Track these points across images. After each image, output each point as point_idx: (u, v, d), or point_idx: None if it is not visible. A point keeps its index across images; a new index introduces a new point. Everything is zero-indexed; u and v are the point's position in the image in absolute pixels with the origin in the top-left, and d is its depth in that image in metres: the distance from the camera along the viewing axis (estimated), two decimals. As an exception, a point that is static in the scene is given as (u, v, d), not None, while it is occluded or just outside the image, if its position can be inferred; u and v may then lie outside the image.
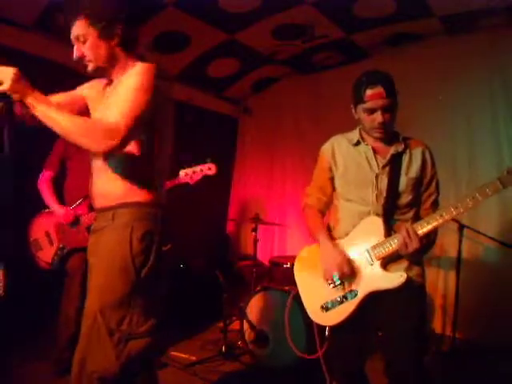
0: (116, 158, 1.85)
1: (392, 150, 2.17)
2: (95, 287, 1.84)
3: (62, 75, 3.90)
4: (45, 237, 3.35)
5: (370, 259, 2.10)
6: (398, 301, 2.03)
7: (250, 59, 5.17)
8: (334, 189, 2.33)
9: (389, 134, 2.19)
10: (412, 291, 2.06)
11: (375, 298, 2.08)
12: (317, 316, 2.22)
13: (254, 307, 3.63)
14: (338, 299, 2.14)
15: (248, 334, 3.60)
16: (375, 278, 2.08)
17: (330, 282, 2.16)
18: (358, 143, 2.28)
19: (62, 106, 1.84)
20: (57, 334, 3.30)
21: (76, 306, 3.26)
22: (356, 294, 2.10)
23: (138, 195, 1.88)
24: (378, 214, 2.11)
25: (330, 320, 2.17)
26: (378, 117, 2.11)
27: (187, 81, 5.36)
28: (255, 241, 4.30)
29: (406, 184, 2.11)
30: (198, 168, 3.29)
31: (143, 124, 1.77)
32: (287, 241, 5.89)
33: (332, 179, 2.33)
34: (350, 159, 2.26)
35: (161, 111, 1.89)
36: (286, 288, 3.59)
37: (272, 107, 6.13)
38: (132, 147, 1.84)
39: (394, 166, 2.14)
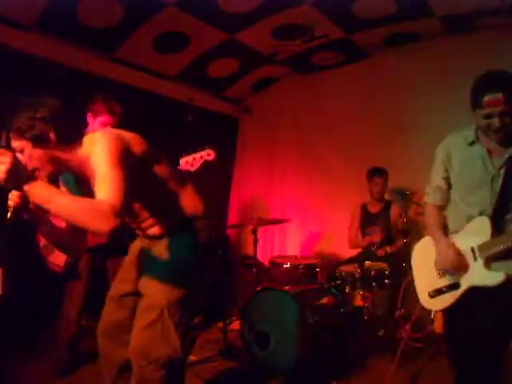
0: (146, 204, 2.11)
1: (511, 150, 2.15)
2: (159, 285, 2.07)
3: (61, 75, 3.93)
4: None
5: (475, 256, 2.20)
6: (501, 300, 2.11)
7: (250, 59, 5.17)
8: (450, 187, 2.40)
9: (508, 136, 2.15)
10: None
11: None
12: (425, 301, 2.45)
13: (254, 307, 3.63)
14: (444, 289, 2.32)
15: (248, 334, 3.60)
16: (477, 274, 2.19)
17: (439, 272, 2.36)
18: (472, 143, 2.26)
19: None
20: (57, 334, 3.30)
21: (77, 307, 3.26)
22: (459, 287, 2.25)
23: (188, 212, 2.19)
24: (487, 215, 2.17)
25: (435, 306, 2.42)
26: (495, 122, 2.08)
27: (187, 81, 5.36)
28: (255, 241, 4.30)
29: None
30: (197, 155, 3.30)
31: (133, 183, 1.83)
32: (287, 241, 5.90)
33: (447, 178, 2.39)
34: (465, 160, 2.28)
35: (139, 151, 1.99)
36: (286, 288, 3.59)
37: (272, 107, 6.13)
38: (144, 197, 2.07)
39: (510, 167, 2.14)
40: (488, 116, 2.09)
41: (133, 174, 1.83)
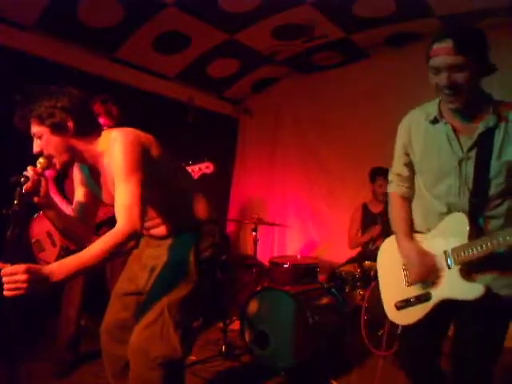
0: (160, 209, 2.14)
1: (481, 126, 1.76)
2: (161, 286, 2.08)
3: (61, 74, 3.93)
4: (47, 237, 3.32)
5: (448, 263, 1.84)
6: (476, 313, 1.81)
7: (250, 59, 5.18)
8: (414, 174, 2.04)
9: (469, 104, 1.76)
10: (496, 304, 1.78)
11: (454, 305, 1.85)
12: (390, 313, 2.08)
13: (254, 307, 3.63)
14: (411, 300, 1.96)
15: (248, 334, 3.60)
16: (451, 284, 1.83)
17: (405, 280, 2.01)
18: (435, 120, 1.88)
19: (89, 207, 2.23)
20: (57, 334, 3.30)
21: (76, 307, 3.27)
22: (429, 299, 1.90)
23: (195, 216, 2.19)
24: (463, 210, 1.80)
25: (402, 320, 2.04)
26: (443, 78, 1.70)
27: (187, 81, 5.36)
28: (255, 241, 4.30)
29: (498, 170, 1.73)
30: (196, 167, 3.36)
31: (150, 184, 1.91)
32: (287, 241, 5.90)
33: (409, 164, 2.03)
34: (427, 142, 1.90)
35: (155, 154, 2.03)
36: (286, 288, 3.59)
37: (272, 107, 6.13)
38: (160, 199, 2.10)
39: (482, 147, 1.75)
40: (436, 71, 1.74)
41: (147, 176, 1.89)
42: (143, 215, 1.85)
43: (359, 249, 4.59)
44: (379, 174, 4.42)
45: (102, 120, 3.11)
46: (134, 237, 1.80)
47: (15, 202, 1.81)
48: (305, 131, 5.79)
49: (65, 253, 3.23)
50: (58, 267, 1.66)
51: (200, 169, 3.36)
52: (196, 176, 3.37)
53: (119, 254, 1.82)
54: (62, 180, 3.39)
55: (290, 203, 5.88)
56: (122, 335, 2.16)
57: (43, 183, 1.93)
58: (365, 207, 4.66)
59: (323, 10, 4.12)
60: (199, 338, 4.01)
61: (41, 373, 3.11)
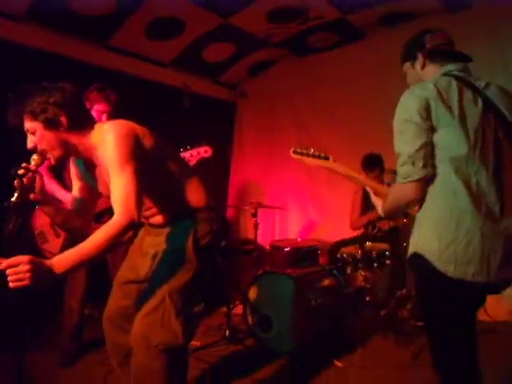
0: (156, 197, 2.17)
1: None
2: (161, 273, 2.09)
3: (55, 65, 3.90)
4: (50, 228, 3.29)
5: None
6: None
7: (246, 43, 5.13)
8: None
9: None
10: None
11: None
12: None
13: (256, 291, 3.65)
14: None
15: (251, 318, 3.62)
16: None
17: None
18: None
19: (86, 200, 2.28)
20: (61, 325, 3.32)
21: (79, 297, 3.29)
22: None
23: (192, 203, 2.19)
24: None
25: None
26: None
27: (183, 67, 5.32)
28: (255, 225, 4.31)
29: None
30: (194, 151, 3.36)
31: (145, 171, 1.93)
32: (288, 225, 5.91)
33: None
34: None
35: (148, 145, 2.04)
36: (288, 271, 3.61)
37: (269, 91, 6.09)
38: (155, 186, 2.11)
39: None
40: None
41: (141, 167, 1.90)
42: (140, 205, 1.87)
43: (361, 230, 4.60)
44: (371, 161, 4.41)
45: (100, 107, 3.09)
46: (132, 226, 1.81)
47: (15, 193, 1.82)
48: (302, 114, 5.77)
49: (69, 242, 3.23)
50: (59, 260, 1.67)
51: (199, 153, 3.37)
52: (195, 160, 3.37)
53: (119, 244, 1.83)
54: (61, 169, 3.37)
55: (290, 186, 5.87)
56: (124, 324, 2.19)
57: (38, 179, 1.95)
58: (365, 191, 4.64)
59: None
60: (202, 323, 4.04)
61: (45, 363, 3.14)
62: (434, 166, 1.75)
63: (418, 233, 1.83)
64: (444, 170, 1.74)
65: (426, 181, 1.76)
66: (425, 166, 1.73)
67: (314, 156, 2.40)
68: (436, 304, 1.81)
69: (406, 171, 1.75)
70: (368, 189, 2.35)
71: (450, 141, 1.73)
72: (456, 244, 1.68)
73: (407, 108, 1.77)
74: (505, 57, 4.11)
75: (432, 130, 1.74)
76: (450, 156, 1.73)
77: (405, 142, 1.77)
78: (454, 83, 1.78)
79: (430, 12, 4.40)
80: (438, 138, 1.75)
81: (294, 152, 2.40)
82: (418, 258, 1.78)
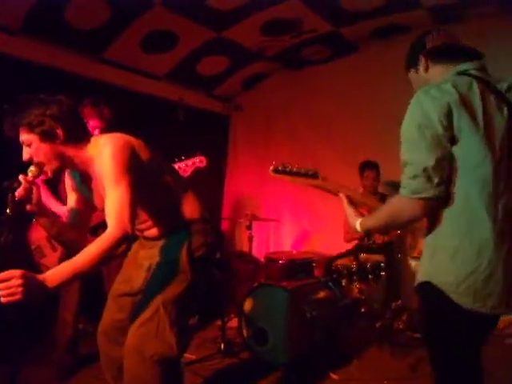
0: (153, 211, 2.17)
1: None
2: (155, 285, 2.09)
3: (48, 77, 3.90)
4: (47, 243, 3.25)
5: None
6: None
7: (240, 56, 5.16)
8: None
9: None
10: None
11: None
12: None
13: (251, 304, 3.63)
14: None
15: (246, 331, 3.60)
16: None
17: None
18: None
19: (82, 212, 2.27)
20: (55, 338, 3.29)
21: (73, 311, 3.26)
22: None
23: (187, 215, 2.19)
24: None
25: None
26: None
27: (177, 80, 5.34)
28: (250, 238, 4.30)
29: None
30: (189, 161, 3.39)
31: (140, 184, 1.93)
32: (283, 237, 5.90)
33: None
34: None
35: (144, 158, 2.04)
36: (283, 284, 3.60)
37: (263, 104, 6.12)
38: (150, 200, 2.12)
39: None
40: None
41: (136, 180, 1.91)
42: (133, 218, 1.87)
43: (355, 242, 4.60)
44: (367, 166, 4.52)
45: (93, 123, 3.09)
46: (125, 239, 1.81)
47: (8, 207, 1.81)
48: (296, 126, 5.80)
49: (67, 257, 3.19)
50: (52, 274, 1.66)
51: (193, 163, 3.40)
52: (189, 171, 3.40)
53: (113, 257, 1.82)
54: (56, 182, 3.36)
55: (284, 199, 5.88)
56: (118, 337, 2.18)
57: (35, 191, 1.95)
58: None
59: (310, 5, 4.12)
60: (197, 336, 4.01)
61: (40, 377, 3.10)
62: (448, 183, 1.53)
63: (431, 261, 1.63)
64: (464, 189, 1.53)
65: (438, 199, 1.54)
66: (441, 182, 1.51)
67: (298, 174, 2.05)
68: (443, 329, 1.66)
69: (419, 186, 1.52)
70: (342, 197, 2.10)
71: (474, 155, 1.51)
72: (476, 276, 1.51)
73: (425, 112, 1.53)
74: (493, 68, 4.14)
75: (452, 140, 1.52)
76: (472, 173, 1.52)
77: (420, 151, 1.53)
78: (475, 85, 1.56)
79: (422, 25, 4.45)
80: (458, 150, 1.52)
81: (275, 170, 2.00)
82: (430, 288, 1.61)
